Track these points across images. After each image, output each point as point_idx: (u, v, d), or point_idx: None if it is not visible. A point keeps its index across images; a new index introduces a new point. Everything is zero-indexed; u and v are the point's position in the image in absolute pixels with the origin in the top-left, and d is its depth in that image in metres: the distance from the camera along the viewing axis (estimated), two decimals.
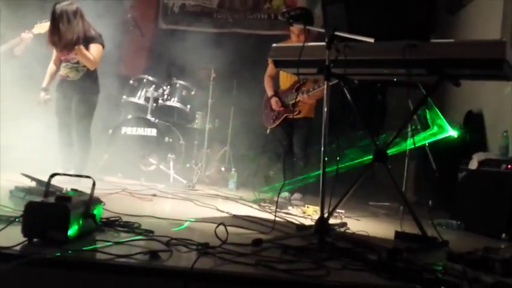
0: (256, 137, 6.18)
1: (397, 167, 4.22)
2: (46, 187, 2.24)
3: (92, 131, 4.84)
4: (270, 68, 5.01)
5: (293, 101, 4.77)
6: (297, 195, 4.72)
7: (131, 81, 6.05)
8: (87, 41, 4.54)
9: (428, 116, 4.42)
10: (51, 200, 2.03)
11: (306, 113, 4.83)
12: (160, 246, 2.10)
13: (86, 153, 4.72)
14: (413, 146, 4.09)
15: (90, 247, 1.97)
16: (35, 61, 4.96)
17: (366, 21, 2.93)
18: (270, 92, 5.01)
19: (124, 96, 5.99)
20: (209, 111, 6.12)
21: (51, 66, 4.76)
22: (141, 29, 6.68)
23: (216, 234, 2.34)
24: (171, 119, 6.16)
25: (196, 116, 6.26)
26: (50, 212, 1.95)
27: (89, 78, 4.67)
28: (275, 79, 5.10)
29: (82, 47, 4.47)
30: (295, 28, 4.55)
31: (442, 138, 4.47)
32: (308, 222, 3.41)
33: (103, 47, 4.66)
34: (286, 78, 4.96)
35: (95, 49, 4.57)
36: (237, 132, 6.43)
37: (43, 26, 4.71)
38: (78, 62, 4.59)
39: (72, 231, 1.96)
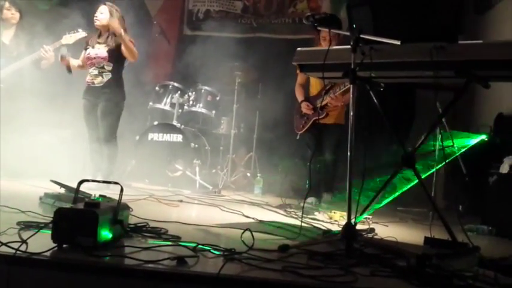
0: (282, 141, 6.18)
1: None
2: (75, 193, 2.27)
3: (119, 138, 4.89)
4: (300, 77, 5.10)
5: (322, 104, 4.78)
6: (310, 199, 4.69)
7: (157, 88, 6.12)
8: (118, 45, 4.65)
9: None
10: (80, 206, 2.06)
11: (336, 119, 4.84)
12: (187, 252, 2.11)
13: (113, 160, 4.76)
14: (444, 162, 4.00)
15: (118, 253, 1.98)
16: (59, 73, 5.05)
17: (391, 23, 2.90)
18: (300, 98, 5.08)
19: (150, 103, 6.06)
20: (234, 117, 6.13)
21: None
22: (166, 35, 6.75)
23: (242, 240, 2.33)
24: (196, 125, 6.20)
25: (222, 122, 6.29)
26: (79, 218, 1.98)
27: (114, 84, 4.71)
28: (306, 87, 5.15)
29: (126, 35, 4.57)
30: (325, 33, 4.55)
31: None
32: (335, 227, 3.38)
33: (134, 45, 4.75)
34: (315, 85, 5.00)
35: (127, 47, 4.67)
36: (263, 137, 6.43)
37: (72, 37, 4.76)
38: (103, 67, 4.64)
39: (100, 237, 1.98)
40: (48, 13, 5.17)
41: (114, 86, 4.70)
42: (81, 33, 4.74)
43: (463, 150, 4.30)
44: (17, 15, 5.03)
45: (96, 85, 4.67)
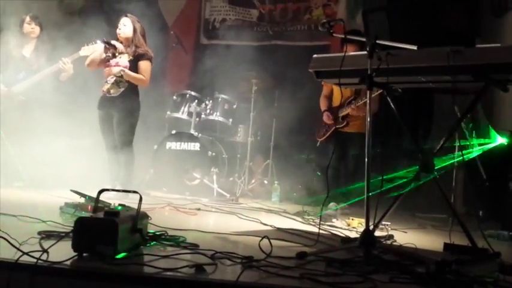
0: (299, 149, 6.18)
1: (445, 177, 4.11)
2: (95, 203, 2.30)
3: (137, 147, 4.93)
4: (325, 89, 5.27)
5: (343, 114, 4.97)
6: (332, 205, 4.69)
7: (174, 97, 6.17)
8: (136, 58, 4.71)
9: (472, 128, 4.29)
10: (100, 215, 2.08)
11: (359, 128, 4.87)
12: (206, 259, 2.11)
13: (130, 170, 4.77)
14: (461, 159, 3.96)
15: (137, 261, 2.00)
16: (77, 85, 5.13)
17: (407, 29, 2.89)
18: (323, 107, 5.23)
19: (168, 112, 6.11)
20: (251, 124, 6.15)
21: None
22: (183, 45, 6.80)
23: (260, 247, 2.33)
24: (213, 133, 6.23)
25: (239, 130, 6.31)
26: (99, 227, 2.00)
27: (130, 94, 4.74)
28: (330, 99, 5.28)
29: (127, 72, 4.64)
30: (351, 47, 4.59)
31: (491, 147, 4.33)
32: (353, 234, 3.36)
33: (151, 61, 4.80)
34: (338, 97, 5.09)
35: (144, 66, 4.72)
36: (280, 145, 6.43)
37: (90, 49, 4.83)
38: (121, 76, 4.68)
39: (120, 245, 2.00)
40: (67, 26, 5.24)
41: (129, 96, 4.73)
42: (100, 45, 4.80)
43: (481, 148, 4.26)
44: (37, 29, 5.15)
45: (112, 95, 4.69)
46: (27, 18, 5.09)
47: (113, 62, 4.72)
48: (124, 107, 4.69)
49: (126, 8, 5.03)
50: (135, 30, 4.74)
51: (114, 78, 4.69)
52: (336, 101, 5.14)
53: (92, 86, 4.97)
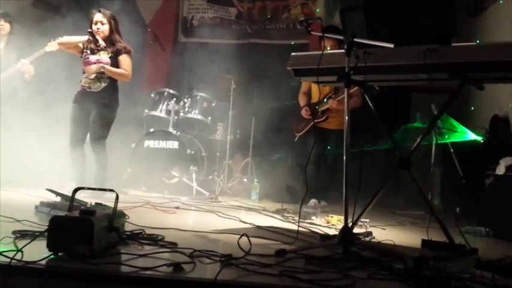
0: (278, 147, 6.19)
1: (422, 174, 4.16)
2: (70, 202, 2.26)
3: (115, 145, 4.88)
4: (304, 86, 5.27)
5: (322, 108, 4.98)
6: (311, 203, 4.73)
7: (152, 95, 6.12)
8: (116, 54, 4.67)
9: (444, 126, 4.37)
10: (76, 214, 2.05)
11: (339, 124, 4.88)
12: (184, 258, 2.10)
13: (105, 168, 4.68)
14: (435, 143, 4.03)
15: (115, 260, 1.98)
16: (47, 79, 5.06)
17: (385, 27, 2.91)
18: (302, 103, 5.23)
19: (146, 110, 6.05)
20: (230, 122, 6.13)
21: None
22: (161, 42, 6.75)
23: (239, 245, 2.32)
24: (192, 131, 6.19)
25: (218, 128, 6.29)
26: (75, 226, 1.97)
27: (110, 90, 4.68)
28: (309, 95, 5.28)
29: (108, 67, 4.59)
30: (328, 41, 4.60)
31: (467, 144, 4.40)
32: (332, 231, 3.37)
33: (131, 55, 4.76)
34: (316, 93, 5.09)
35: (124, 61, 4.68)
36: (259, 143, 6.43)
37: (55, 44, 4.78)
38: (102, 72, 4.61)
39: (96, 244, 1.97)
40: (38, 23, 5.15)
41: (110, 92, 4.68)
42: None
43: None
44: (7, 26, 5.10)
45: (93, 90, 4.61)
46: None
47: (92, 58, 4.64)
48: (104, 102, 4.63)
49: (104, 4, 4.94)
50: (111, 28, 4.69)
51: (95, 75, 4.62)
52: (315, 98, 5.16)
53: (63, 84, 4.89)
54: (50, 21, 5.57)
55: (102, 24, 4.65)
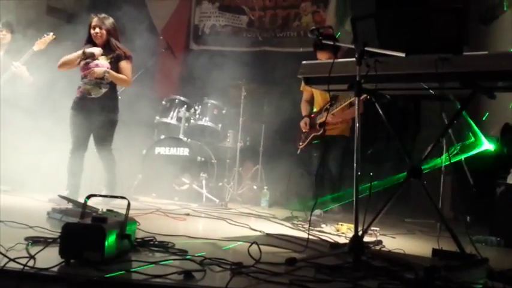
0: (288, 154, 6.18)
1: (432, 183, 4.13)
2: (82, 208, 2.28)
3: (126, 152, 4.89)
4: (305, 94, 5.17)
5: (320, 121, 4.86)
6: (317, 211, 4.69)
7: (163, 102, 6.15)
8: (116, 60, 4.65)
9: (462, 129, 4.34)
10: (88, 221, 2.06)
11: (341, 131, 4.86)
12: (195, 266, 2.10)
13: (113, 172, 4.66)
14: (448, 162, 4.00)
15: (125, 267, 1.99)
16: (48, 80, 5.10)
17: (396, 36, 2.91)
18: (304, 113, 5.14)
19: (157, 117, 6.09)
20: (240, 130, 6.15)
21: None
22: (173, 50, 6.80)
23: (249, 253, 2.33)
24: (203, 138, 6.22)
25: (228, 135, 6.31)
26: (86, 233, 1.98)
27: (110, 96, 4.63)
28: (311, 103, 5.20)
29: (112, 73, 4.57)
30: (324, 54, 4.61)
31: (478, 152, 4.37)
32: (342, 240, 3.36)
33: (131, 61, 4.74)
34: (319, 102, 5.04)
35: (125, 66, 4.67)
36: (269, 150, 6.43)
37: (43, 42, 4.88)
38: (102, 78, 4.56)
39: (107, 251, 1.99)
40: (51, 31, 5.18)
41: (110, 98, 4.63)
42: (50, 36, 4.89)
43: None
44: (8, 36, 5.18)
45: (93, 96, 4.55)
46: None
47: (92, 64, 4.57)
48: (105, 108, 4.58)
49: (116, 13, 4.98)
50: (109, 34, 4.63)
51: (95, 80, 4.56)
52: (318, 106, 5.07)
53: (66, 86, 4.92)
54: (63, 29, 5.62)
55: (100, 28, 4.62)
